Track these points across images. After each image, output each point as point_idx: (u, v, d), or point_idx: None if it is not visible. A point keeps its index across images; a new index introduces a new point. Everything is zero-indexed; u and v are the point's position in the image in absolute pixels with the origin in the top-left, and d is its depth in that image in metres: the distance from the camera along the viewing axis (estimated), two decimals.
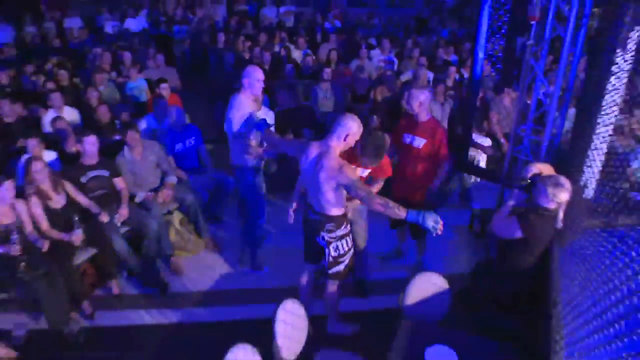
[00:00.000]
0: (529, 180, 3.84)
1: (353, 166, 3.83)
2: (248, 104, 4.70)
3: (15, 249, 4.18)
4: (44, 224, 4.55)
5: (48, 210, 4.62)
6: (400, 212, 3.44)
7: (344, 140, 3.70)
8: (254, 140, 4.64)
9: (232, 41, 10.58)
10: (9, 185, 4.29)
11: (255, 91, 4.76)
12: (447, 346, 3.21)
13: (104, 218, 4.87)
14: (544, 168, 3.93)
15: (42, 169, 4.60)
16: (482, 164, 6.60)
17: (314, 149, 3.77)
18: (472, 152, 6.48)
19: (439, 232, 3.44)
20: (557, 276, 3.43)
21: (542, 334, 3.13)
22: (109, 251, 4.92)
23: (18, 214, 4.37)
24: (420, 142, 4.66)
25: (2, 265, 4.32)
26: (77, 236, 4.53)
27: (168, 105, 6.53)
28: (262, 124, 4.47)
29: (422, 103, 4.61)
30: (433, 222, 3.40)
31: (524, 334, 3.56)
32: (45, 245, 4.38)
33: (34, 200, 4.52)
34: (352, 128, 3.68)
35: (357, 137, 3.77)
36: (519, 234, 3.61)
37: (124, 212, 5.08)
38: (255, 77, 4.70)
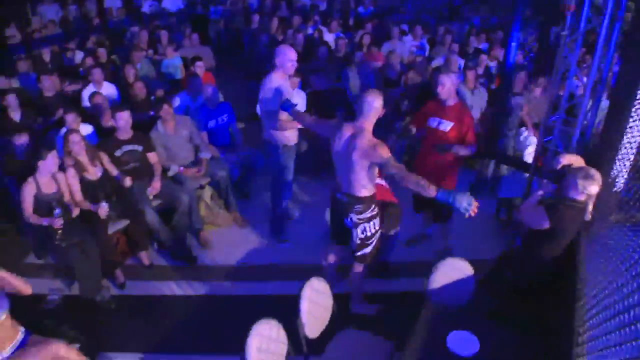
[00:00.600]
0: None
1: None
2: (278, 82, 4.74)
3: (59, 223, 4.33)
4: (78, 195, 4.69)
5: (83, 182, 4.75)
6: (431, 191, 3.43)
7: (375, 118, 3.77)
8: (283, 115, 4.69)
9: (266, 23, 10.59)
10: (53, 155, 4.45)
11: (287, 70, 4.79)
12: (469, 332, 3.22)
13: (127, 182, 4.94)
14: (574, 159, 3.88)
15: (79, 140, 4.73)
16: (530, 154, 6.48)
17: (347, 130, 3.79)
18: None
19: (472, 214, 3.39)
20: (582, 269, 3.38)
21: (564, 326, 3.10)
22: (141, 223, 5.04)
23: (58, 184, 4.52)
24: (447, 126, 4.64)
25: (40, 232, 4.50)
26: (103, 209, 4.61)
27: (202, 83, 6.61)
28: (286, 105, 4.50)
29: (449, 87, 4.59)
30: (466, 203, 3.36)
31: (546, 325, 3.54)
32: (75, 211, 4.55)
33: (72, 172, 4.66)
34: (380, 107, 3.73)
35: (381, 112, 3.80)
36: (546, 225, 3.55)
37: (156, 185, 5.20)
38: (288, 57, 4.72)
